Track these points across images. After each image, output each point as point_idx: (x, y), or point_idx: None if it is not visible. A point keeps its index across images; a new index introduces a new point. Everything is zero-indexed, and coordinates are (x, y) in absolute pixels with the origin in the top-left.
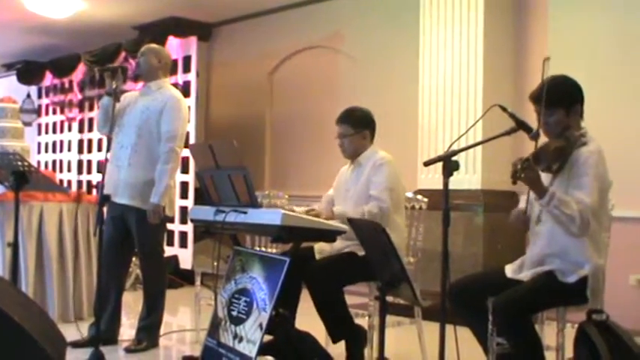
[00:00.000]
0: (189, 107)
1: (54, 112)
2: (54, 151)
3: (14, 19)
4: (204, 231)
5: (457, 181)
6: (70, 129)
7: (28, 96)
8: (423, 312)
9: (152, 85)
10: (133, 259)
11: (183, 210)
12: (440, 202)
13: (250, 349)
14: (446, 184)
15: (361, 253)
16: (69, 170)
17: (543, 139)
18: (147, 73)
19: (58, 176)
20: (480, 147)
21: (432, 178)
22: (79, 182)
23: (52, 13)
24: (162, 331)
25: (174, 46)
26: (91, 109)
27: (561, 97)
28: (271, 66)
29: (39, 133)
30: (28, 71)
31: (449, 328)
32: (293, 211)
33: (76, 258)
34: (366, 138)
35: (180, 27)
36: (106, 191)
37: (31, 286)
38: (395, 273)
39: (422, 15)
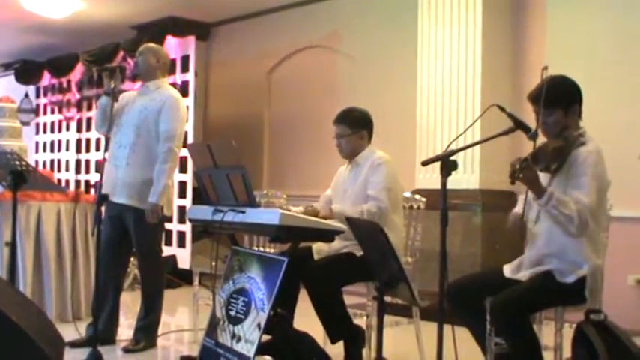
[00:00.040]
0: (187, 107)
1: (52, 112)
2: (52, 150)
3: (12, 18)
4: (203, 231)
5: (455, 181)
6: (68, 128)
7: (27, 95)
8: (421, 312)
9: (150, 85)
10: (131, 258)
11: (182, 210)
12: (438, 202)
13: (248, 349)
14: (444, 183)
15: (359, 253)
16: (67, 170)
17: (542, 139)
18: (145, 73)
19: (56, 176)
20: (478, 147)
21: (430, 178)
22: (77, 182)
23: (50, 12)
24: (160, 330)
25: (173, 46)
26: (89, 108)
27: (560, 98)
28: (269, 66)
29: (37, 133)
30: (26, 71)
31: (447, 328)
32: (290, 211)
33: (74, 258)
34: (363, 138)
35: (178, 27)
36: (104, 191)
37: (29, 285)
38: (393, 273)
39: (420, 15)
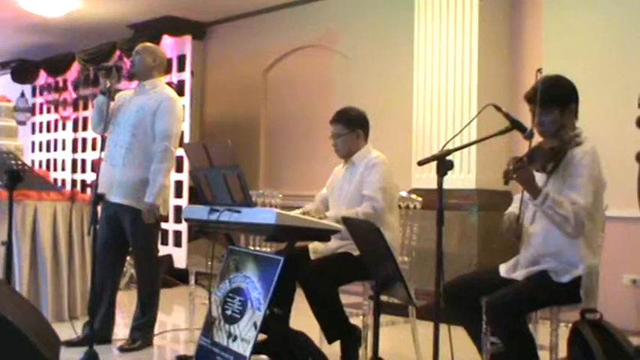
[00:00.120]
0: (183, 106)
1: (48, 111)
2: (48, 150)
3: (9, 17)
4: (199, 230)
5: (451, 181)
6: (64, 128)
7: (22, 95)
8: (417, 311)
9: (147, 85)
10: (128, 258)
11: (178, 209)
12: (434, 202)
13: (244, 348)
14: (440, 183)
15: (356, 252)
16: (63, 169)
17: (538, 138)
18: (142, 72)
19: (52, 175)
20: (474, 146)
21: (427, 178)
22: (74, 181)
23: (46, 11)
24: (156, 330)
25: (169, 45)
26: (85, 108)
27: (556, 97)
28: (266, 65)
29: (33, 132)
30: (22, 70)
31: (443, 327)
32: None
33: (70, 257)
34: (359, 137)
35: (174, 26)
36: (100, 190)
37: (25, 285)
38: (389, 273)
39: (417, 14)
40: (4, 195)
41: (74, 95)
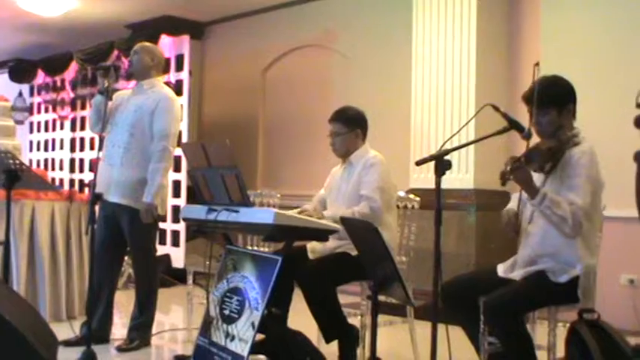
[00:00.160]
0: (181, 106)
1: (46, 111)
2: (46, 149)
3: (6, 17)
4: (197, 230)
5: (449, 181)
6: (62, 127)
7: (20, 94)
8: (415, 311)
9: (145, 84)
10: (126, 258)
11: (176, 209)
12: (432, 202)
13: (242, 348)
14: (438, 183)
15: (354, 252)
16: (61, 169)
17: (536, 138)
18: (140, 72)
19: (50, 175)
20: (472, 146)
21: (425, 178)
22: (71, 181)
23: (44, 11)
24: (154, 330)
25: (167, 45)
26: (83, 107)
27: (553, 97)
28: (264, 65)
29: (31, 132)
30: (20, 69)
31: (441, 327)
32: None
33: (68, 257)
34: (358, 137)
35: (173, 25)
36: (98, 190)
37: (22, 284)
38: (387, 273)
39: (415, 14)
40: (1, 194)
41: (72, 95)
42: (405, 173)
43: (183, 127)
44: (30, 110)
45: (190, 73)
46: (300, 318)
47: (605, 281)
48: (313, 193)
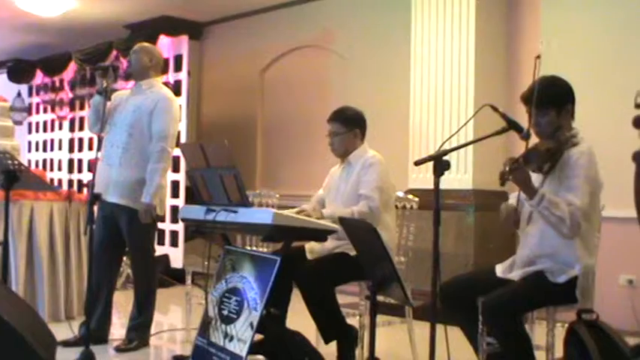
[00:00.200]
0: (180, 106)
1: (44, 111)
2: (44, 149)
3: (5, 17)
4: (195, 230)
5: (448, 181)
6: (60, 128)
7: (19, 94)
8: (414, 311)
9: (143, 84)
10: (124, 258)
11: (174, 209)
12: (431, 202)
13: (241, 349)
14: (437, 183)
15: (352, 253)
16: (59, 169)
17: (535, 139)
18: (138, 72)
19: (49, 175)
20: (471, 147)
21: (423, 178)
22: (70, 181)
23: (43, 11)
24: (152, 330)
25: (166, 45)
26: (81, 107)
27: (552, 98)
28: (262, 65)
29: (29, 132)
30: (18, 70)
31: (439, 327)
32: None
33: (67, 257)
34: (357, 137)
35: (171, 26)
36: (96, 190)
37: (21, 285)
38: (386, 273)
39: (413, 14)
40: (0, 195)
41: (71, 95)
42: (404, 173)
43: (182, 127)
44: (29, 110)
45: (189, 73)
46: (299, 318)
47: (604, 281)
48: (312, 194)
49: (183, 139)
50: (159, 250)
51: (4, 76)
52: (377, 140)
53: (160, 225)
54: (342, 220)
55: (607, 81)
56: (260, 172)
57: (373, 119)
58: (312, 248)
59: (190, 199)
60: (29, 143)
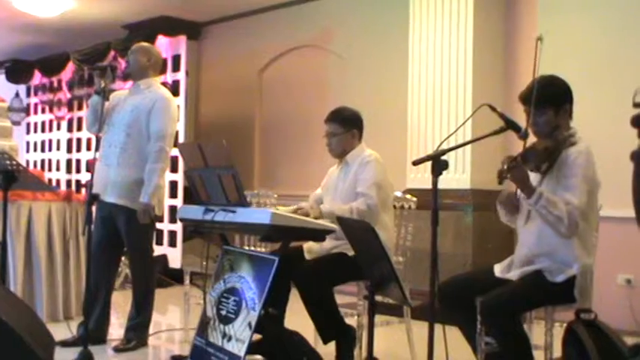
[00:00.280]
0: (178, 106)
1: (43, 111)
2: (43, 150)
3: (3, 17)
4: (193, 230)
5: (446, 181)
6: (59, 128)
7: (17, 95)
8: (412, 311)
9: (141, 84)
10: (123, 258)
11: (173, 209)
12: (429, 202)
13: (239, 349)
14: (435, 183)
15: (351, 253)
16: (58, 169)
17: (532, 138)
18: (136, 72)
19: (47, 175)
20: (469, 146)
21: (422, 178)
22: (68, 181)
23: (41, 11)
24: (151, 330)
25: (164, 45)
26: (80, 108)
27: (550, 97)
28: (261, 65)
29: (28, 132)
30: (16, 70)
31: (438, 327)
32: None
33: (65, 257)
34: (354, 137)
35: (169, 26)
36: (95, 190)
37: (19, 285)
38: (384, 273)
39: (411, 14)
40: None
41: (69, 95)
42: (402, 173)
43: (180, 127)
44: (27, 111)
45: (187, 73)
46: (297, 318)
47: (602, 281)
48: (310, 194)
49: (181, 139)
50: (157, 250)
51: (2, 76)
52: (375, 140)
53: (158, 225)
54: (340, 220)
55: (604, 80)
56: (258, 172)
57: (371, 119)
58: (311, 248)
59: (189, 199)
60: (27, 143)
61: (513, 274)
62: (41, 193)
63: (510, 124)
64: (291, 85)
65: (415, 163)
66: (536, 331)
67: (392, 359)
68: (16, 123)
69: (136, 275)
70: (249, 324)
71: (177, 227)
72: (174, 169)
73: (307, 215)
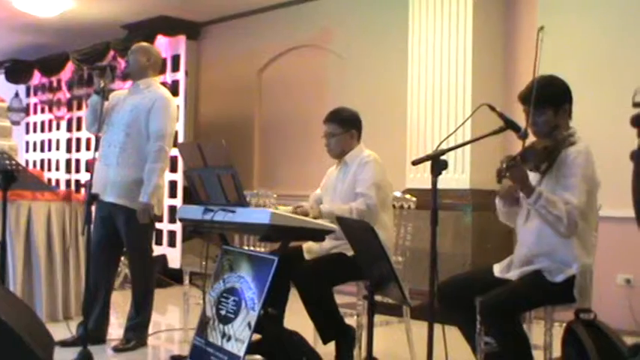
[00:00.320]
0: (177, 106)
1: (42, 111)
2: (42, 150)
3: (2, 17)
4: (193, 230)
5: (446, 181)
6: (58, 128)
7: (17, 95)
8: (412, 311)
9: (141, 84)
10: (122, 258)
11: (172, 209)
12: (428, 202)
13: (239, 348)
14: (434, 183)
15: (350, 253)
16: (57, 169)
17: (532, 138)
18: (136, 72)
19: (47, 175)
20: (468, 146)
21: (421, 178)
22: (68, 181)
23: (40, 11)
24: (150, 330)
25: (163, 45)
26: (79, 107)
27: (549, 97)
28: (260, 65)
29: (27, 132)
30: (16, 70)
31: (437, 327)
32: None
33: (65, 257)
34: (353, 138)
35: (169, 26)
36: (94, 190)
37: (19, 285)
38: (384, 273)
39: (411, 14)
40: None
41: (68, 95)
42: (402, 173)
43: (180, 127)
44: (26, 111)
45: (186, 73)
46: (297, 318)
47: (602, 281)
48: (309, 194)
49: (180, 139)
50: (156, 250)
51: (2, 76)
52: (374, 140)
53: (157, 225)
54: (339, 220)
55: (604, 80)
56: (257, 171)
57: (371, 119)
58: (310, 248)
59: (188, 199)
60: (27, 143)
61: (513, 274)
62: (41, 193)
63: (510, 124)
64: (290, 84)
65: (414, 162)
66: (535, 331)
67: (391, 359)
68: (16, 123)
69: (136, 275)
70: (249, 324)
71: (177, 227)
72: (173, 169)
73: (306, 215)
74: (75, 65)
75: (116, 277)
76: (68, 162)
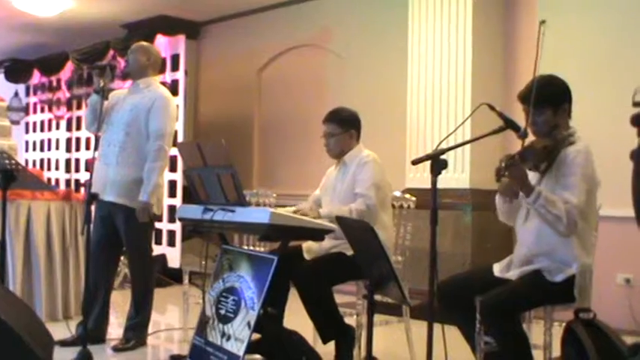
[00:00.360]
0: (177, 106)
1: (42, 111)
2: (42, 149)
3: (2, 17)
4: (192, 230)
5: (445, 180)
6: (58, 127)
7: (16, 94)
8: (411, 311)
9: (141, 83)
10: (122, 257)
11: (172, 209)
12: (428, 201)
13: (238, 348)
14: (434, 182)
15: (350, 252)
16: (57, 169)
17: (532, 138)
18: (136, 71)
19: (46, 174)
20: (468, 146)
21: (421, 177)
22: (67, 181)
23: (40, 11)
24: (150, 329)
25: (163, 45)
26: (79, 107)
27: (549, 97)
28: (260, 65)
29: (27, 132)
30: (15, 69)
31: (437, 326)
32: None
33: (64, 256)
34: (352, 137)
35: (168, 25)
36: (94, 189)
37: (18, 284)
38: (383, 272)
39: (410, 14)
40: None
41: (68, 95)
42: (401, 173)
43: (179, 126)
44: (26, 110)
45: (186, 72)
46: (296, 318)
47: (601, 280)
48: (309, 193)
49: (180, 139)
50: (156, 250)
51: (1, 76)
52: (374, 139)
53: (157, 224)
54: (339, 220)
55: (604, 80)
56: (257, 171)
57: (370, 118)
58: (310, 248)
59: (188, 198)
60: (26, 143)
61: (512, 274)
62: (40, 193)
63: (509, 124)
64: (290, 84)
65: (414, 162)
66: (535, 331)
67: (391, 359)
68: (15, 122)
69: (135, 275)
70: (249, 323)
71: (176, 227)
72: (173, 169)
73: (306, 215)
74: (74, 65)
75: (116, 277)
76: (68, 161)
